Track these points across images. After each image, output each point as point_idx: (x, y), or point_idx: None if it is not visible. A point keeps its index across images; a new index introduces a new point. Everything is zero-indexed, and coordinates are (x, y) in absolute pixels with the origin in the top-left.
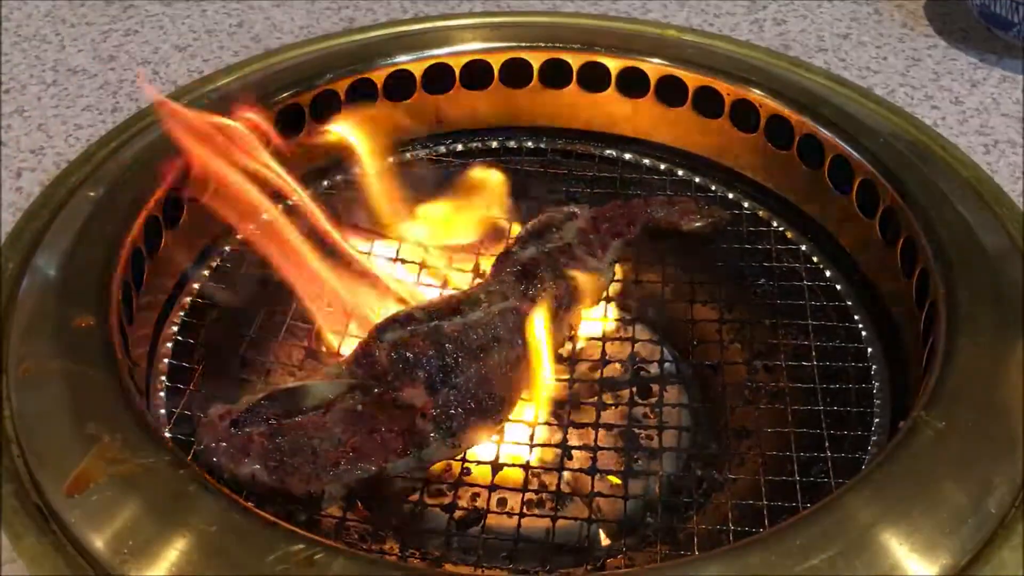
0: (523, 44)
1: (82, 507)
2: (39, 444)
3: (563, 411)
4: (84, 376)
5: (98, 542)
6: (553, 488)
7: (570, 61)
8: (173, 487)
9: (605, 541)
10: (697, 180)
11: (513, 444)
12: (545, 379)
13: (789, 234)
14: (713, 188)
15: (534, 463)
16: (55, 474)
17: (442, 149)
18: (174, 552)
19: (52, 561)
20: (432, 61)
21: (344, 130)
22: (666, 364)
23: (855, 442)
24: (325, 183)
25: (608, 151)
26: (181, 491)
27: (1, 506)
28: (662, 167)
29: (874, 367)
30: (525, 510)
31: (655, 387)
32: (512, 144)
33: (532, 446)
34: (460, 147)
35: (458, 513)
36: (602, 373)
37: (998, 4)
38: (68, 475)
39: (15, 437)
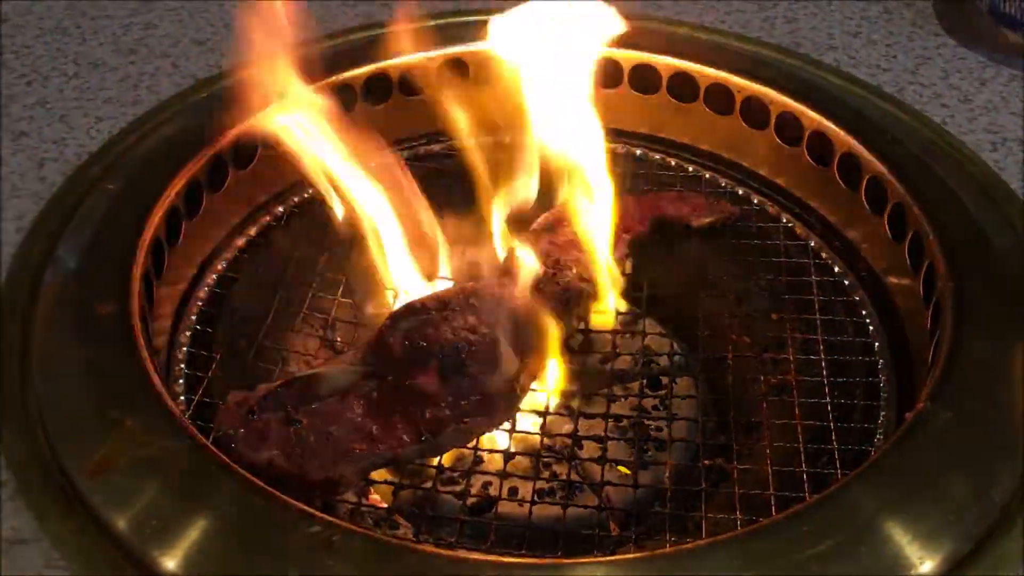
0: None
1: (105, 489)
2: (63, 428)
3: (574, 402)
4: (106, 362)
5: (121, 522)
6: (564, 477)
7: None
8: (194, 470)
9: (615, 529)
10: (707, 176)
11: (524, 433)
12: (555, 369)
13: (798, 230)
14: (723, 184)
15: (545, 452)
16: (78, 457)
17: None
18: (195, 532)
19: (76, 540)
20: (444, 57)
21: None
22: (676, 357)
23: (861, 435)
24: None
25: (619, 147)
26: (201, 473)
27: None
28: (673, 163)
29: (881, 361)
30: (536, 498)
31: (665, 379)
32: None
33: (543, 435)
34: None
35: (470, 500)
36: (612, 365)
37: (1008, 3)
38: (91, 458)
39: (40, 421)
